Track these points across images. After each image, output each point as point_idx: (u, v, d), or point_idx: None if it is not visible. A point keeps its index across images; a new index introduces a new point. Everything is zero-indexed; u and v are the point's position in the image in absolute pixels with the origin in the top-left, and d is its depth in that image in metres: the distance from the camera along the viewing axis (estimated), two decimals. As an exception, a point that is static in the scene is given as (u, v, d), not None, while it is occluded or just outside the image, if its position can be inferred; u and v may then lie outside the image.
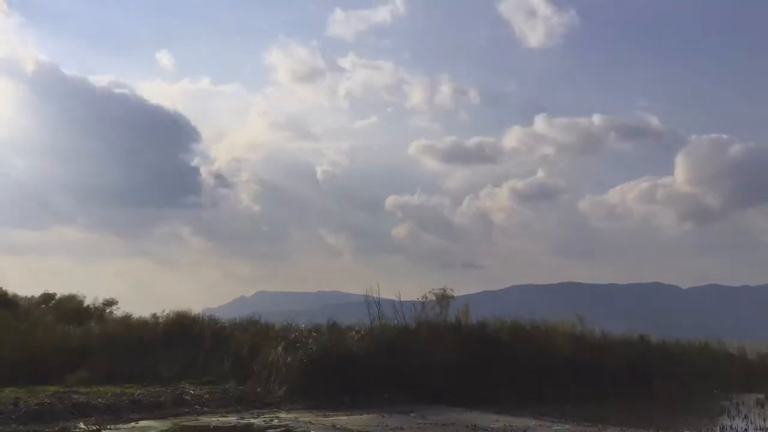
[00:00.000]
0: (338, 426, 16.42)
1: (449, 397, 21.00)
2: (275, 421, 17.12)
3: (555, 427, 16.86)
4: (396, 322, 24.76)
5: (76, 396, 18.99)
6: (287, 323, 26.90)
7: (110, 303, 32.15)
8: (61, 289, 32.96)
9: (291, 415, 18.18)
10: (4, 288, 31.29)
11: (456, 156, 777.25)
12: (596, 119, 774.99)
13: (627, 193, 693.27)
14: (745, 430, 18.36)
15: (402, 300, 25.27)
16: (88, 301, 32.05)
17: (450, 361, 22.54)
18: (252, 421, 17.28)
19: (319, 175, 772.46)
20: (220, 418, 17.61)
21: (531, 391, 22.66)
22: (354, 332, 24.33)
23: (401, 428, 16.25)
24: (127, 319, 30.32)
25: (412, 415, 18.24)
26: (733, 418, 20.01)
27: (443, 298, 25.05)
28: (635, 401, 22.78)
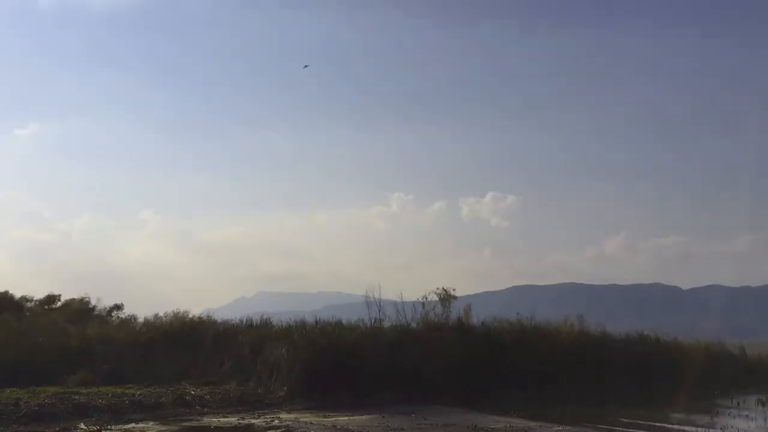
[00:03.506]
0: (339, 426, 16.40)
1: (450, 398, 20.99)
2: (276, 422, 17.11)
3: (556, 428, 16.84)
4: (397, 322, 24.74)
5: (76, 396, 18.98)
6: (288, 324, 26.86)
7: (117, 308, 32.35)
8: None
9: (292, 416, 18.17)
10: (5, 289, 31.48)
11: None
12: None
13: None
14: (746, 430, 18.34)
15: (403, 300, 25.27)
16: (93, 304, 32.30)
17: (451, 362, 22.54)
18: (253, 421, 17.28)
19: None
20: (220, 419, 17.63)
21: (532, 391, 22.67)
22: (355, 333, 24.29)
23: (402, 429, 16.24)
24: (128, 321, 30.38)
25: (413, 415, 18.22)
26: (734, 418, 19.99)
27: (446, 298, 24.99)
28: (636, 402, 22.76)
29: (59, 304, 32.23)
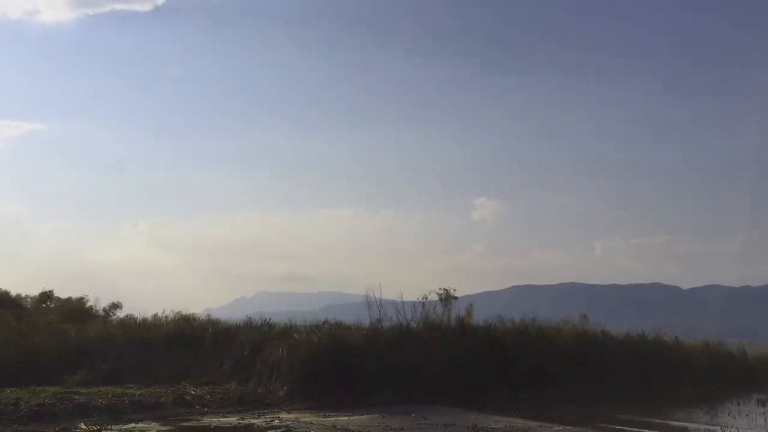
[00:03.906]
0: (339, 426, 16.41)
1: (450, 398, 20.99)
2: (276, 422, 17.12)
3: (556, 428, 16.85)
4: (397, 322, 24.73)
5: (76, 396, 19.00)
6: (288, 323, 26.86)
7: (115, 306, 32.33)
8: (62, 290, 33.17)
9: (292, 416, 18.18)
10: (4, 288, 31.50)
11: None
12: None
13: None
14: (747, 430, 18.34)
15: (403, 300, 25.24)
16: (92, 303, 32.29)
17: (451, 362, 22.54)
18: (253, 421, 17.28)
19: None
20: (220, 419, 17.63)
21: (532, 391, 22.66)
22: (355, 332, 24.29)
23: (402, 429, 16.24)
24: (128, 321, 30.37)
25: (413, 415, 18.22)
26: (734, 418, 20.00)
27: (447, 299, 24.97)
28: (636, 402, 22.79)
29: (54, 300, 32.22)
